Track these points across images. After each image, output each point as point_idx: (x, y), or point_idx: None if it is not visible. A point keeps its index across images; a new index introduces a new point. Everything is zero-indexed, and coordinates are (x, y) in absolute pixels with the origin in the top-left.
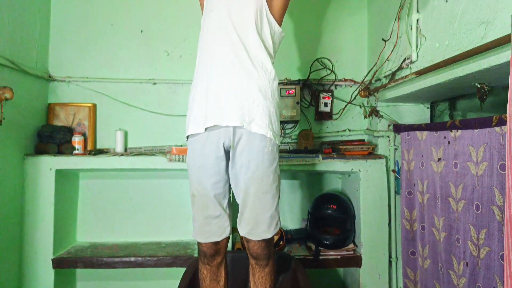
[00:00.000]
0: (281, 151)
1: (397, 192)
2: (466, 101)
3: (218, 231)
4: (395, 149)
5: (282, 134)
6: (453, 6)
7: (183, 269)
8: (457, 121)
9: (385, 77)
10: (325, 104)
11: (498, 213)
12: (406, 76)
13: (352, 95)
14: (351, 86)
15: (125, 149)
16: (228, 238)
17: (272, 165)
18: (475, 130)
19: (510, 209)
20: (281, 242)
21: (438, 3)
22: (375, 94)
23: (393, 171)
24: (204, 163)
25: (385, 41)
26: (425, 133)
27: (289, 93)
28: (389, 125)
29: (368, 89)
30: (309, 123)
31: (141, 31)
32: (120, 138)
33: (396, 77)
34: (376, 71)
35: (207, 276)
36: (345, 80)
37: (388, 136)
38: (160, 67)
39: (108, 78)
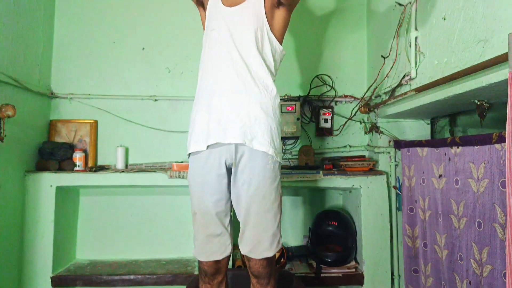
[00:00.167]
0: (282, 167)
1: (398, 209)
2: (467, 117)
3: (219, 249)
4: (396, 165)
5: (283, 151)
6: (451, 24)
7: None
8: (457, 137)
9: (385, 93)
10: (326, 120)
11: (500, 231)
12: (405, 93)
13: (352, 111)
14: (351, 102)
15: (126, 166)
16: (229, 256)
17: (274, 182)
18: (475, 147)
19: (511, 228)
20: (282, 260)
21: (436, 21)
22: (375, 110)
23: (394, 187)
24: (205, 180)
25: (384, 58)
26: (426, 149)
27: (289, 109)
28: (389, 141)
29: (368, 105)
30: (310, 139)
31: (143, 48)
32: (121, 154)
33: (396, 94)
34: (376, 87)
35: None
36: (345, 96)
37: (389, 152)
38: (161, 83)
39: (109, 95)
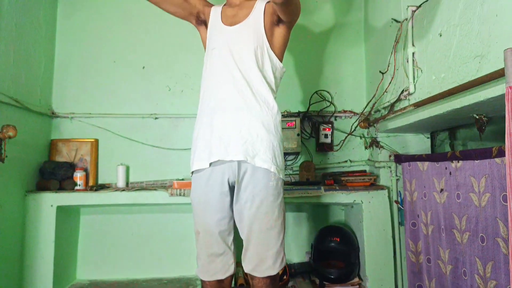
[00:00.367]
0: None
1: (401, 223)
2: (466, 130)
3: (223, 269)
4: (397, 179)
5: (284, 166)
6: (447, 40)
7: None
8: (457, 152)
9: (384, 108)
10: (326, 136)
11: (504, 245)
12: (404, 108)
13: (352, 126)
14: (350, 117)
15: (127, 184)
16: (232, 276)
17: (277, 200)
18: (476, 161)
19: None
20: (285, 277)
21: (432, 37)
22: (375, 125)
23: (396, 202)
24: (208, 199)
25: (382, 73)
26: (426, 163)
27: (289, 125)
28: (390, 156)
29: (367, 120)
30: (310, 154)
31: (143, 67)
32: (121, 173)
33: (395, 109)
34: (375, 102)
35: None
36: (345, 111)
37: (390, 167)
38: (162, 102)
39: (110, 114)
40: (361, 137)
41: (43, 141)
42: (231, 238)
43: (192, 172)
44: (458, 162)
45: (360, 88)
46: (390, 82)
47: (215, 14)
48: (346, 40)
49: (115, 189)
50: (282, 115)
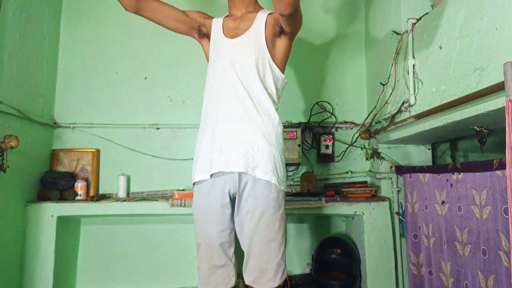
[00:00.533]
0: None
1: (402, 235)
2: (467, 141)
3: (223, 281)
4: (398, 191)
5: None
6: (447, 53)
7: None
8: (458, 164)
9: (385, 119)
10: (327, 147)
11: (505, 258)
12: (405, 120)
13: (353, 137)
14: (351, 128)
15: (128, 194)
16: None
17: (278, 212)
18: (477, 173)
19: None
20: None
21: (432, 49)
22: (376, 136)
23: (397, 213)
24: (209, 210)
25: (383, 85)
26: (428, 175)
27: (290, 136)
28: (391, 167)
29: (368, 131)
30: (311, 165)
31: (145, 77)
32: (122, 183)
33: (396, 120)
34: (376, 113)
35: None
36: (346, 122)
37: (391, 178)
38: (163, 112)
39: (112, 124)
40: (362, 148)
41: (45, 151)
42: (232, 250)
43: (194, 184)
44: (459, 174)
45: (361, 99)
46: (391, 94)
47: (216, 27)
48: (347, 51)
49: (115, 199)
50: (283, 126)
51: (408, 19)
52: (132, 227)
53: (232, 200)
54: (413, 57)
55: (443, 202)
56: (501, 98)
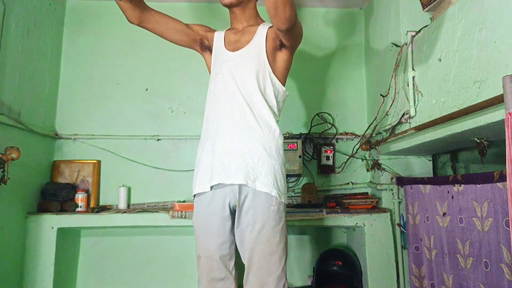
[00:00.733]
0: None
1: (403, 247)
2: (468, 152)
3: None
4: (399, 202)
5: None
6: (446, 65)
7: None
8: (459, 175)
9: (385, 131)
10: (327, 158)
11: (507, 271)
12: (405, 131)
13: (353, 148)
14: (352, 140)
15: (128, 206)
16: None
17: (279, 224)
18: (478, 185)
19: None
20: None
21: (432, 61)
22: (377, 147)
23: (399, 225)
24: (209, 223)
25: (383, 96)
26: (429, 186)
27: (291, 147)
28: (392, 178)
29: (369, 143)
30: (312, 176)
31: (146, 89)
32: (123, 194)
33: (396, 132)
34: (377, 125)
35: None
36: (346, 133)
37: (392, 189)
38: (164, 123)
39: (113, 135)
40: (362, 159)
41: (46, 162)
42: (232, 262)
43: (194, 196)
44: (460, 186)
45: (361, 110)
46: (391, 105)
47: (218, 40)
48: (347, 63)
49: (116, 211)
50: (283, 137)
51: (408, 31)
52: (133, 238)
53: (233, 213)
54: (413, 69)
55: (444, 214)
56: (501, 111)
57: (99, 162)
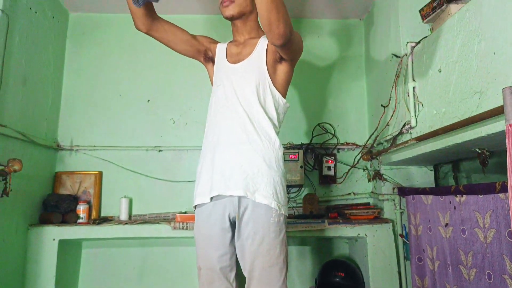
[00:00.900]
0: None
1: (406, 258)
2: (470, 162)
3: None
4: (401, 212)
5: (288, 198)
6: (446, 76)
7: None
8: (461, 186)
9: (386, 141)
10: (329, 168)
11: (511, 282)
12: (407, 142)
13: (355, 158)
14: (353, 150)
15: (130, 217)
16: None
17: (279, 236)
18: (480, 196)
19: None
20: None
21: (432, 72)
22: (378, 157)
23: (401, 235)
24: (209, 234)
25: (384, 107)
26: (430, 197)
27: (292, 157)
28: (393, 188)
29: (370, 153)
30: (314, 187)
31: (148, 100)
32: (124, 205)
33: (398, 142)
34: (378, 135)
35: None
36: (347, 144)
37: (394, 200)
38: (166, 134)
39: (114, 146)
40: (364, 170)
41: (48, 173)
42: (233, 274)
43: (195, 207)
44: (462, 196)
45: (362, 120)
46: (392, 116)
47: (220, 52)
48: (348, 73)
49: (117, 222)
50: (285, 147)
51: (408, 42)
52: (134, 250)
53: (233, 224)
54: (413, 80)
55: (446, 224)
56: (501, 122)
57: (100, 173)
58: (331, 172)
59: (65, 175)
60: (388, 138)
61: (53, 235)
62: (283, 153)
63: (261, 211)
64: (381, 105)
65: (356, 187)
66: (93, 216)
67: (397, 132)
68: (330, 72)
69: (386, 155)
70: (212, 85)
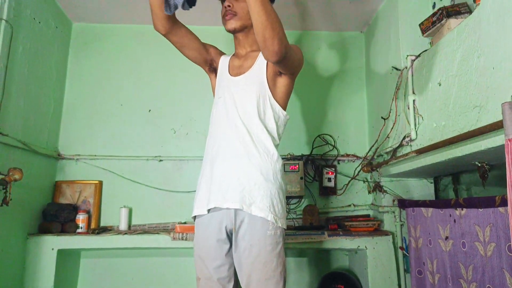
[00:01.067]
0: (287, 227)
1: (406, 271)
2: (470, 175)
3: None
4: (401, 225)
5: (287, 210)
6: (446, 90)
7: None
8: (461, 199)
9: (386, 153)
10: (329, 179)
11: None
12: (407, 154)
13: (355, 170)
14: (353, 161)
15: (129, 227)
16: None
17: (275, 249)
18: (480, 210)
19: None
20: None
21: (432, 85)
22: (378, 169)
23: (401, 248)
24: (206, 245)
25: (384, 119)
26: (431, 210)
27: (292, 168)
28: (393, 200)
29: (370, 165)
30: (314, 198)
31: (149, 110)
32: (124, 215)
33: (398, 154)
34: (378, 147)
35: None
36: (348, 155)
37: (394, 212)
38: (167, 144)
39: (115, 156)
40: (364, 181)
41: (48, 182)
42: (231, 285)
43: (194, 218)
44: (462, 209)
45: (363, 132)
46: (392, 128)
47: (223, 64)
48: (348, 85)
49: (117, 232)
50: (285, 158)
51: (408, 55)
52: (133, 260)
53: (230, 236)
54: (413, 93)
55: (446, 237)
56: (501, 136)
57: (101, 182)
58: (331, 184)
59: (65, 184)
60: (388, 150)
61: (52, 244)
62: (283, 164)
63: (257, 224)
64: (381, 117)
65: (356, 198)
66: (93, 225)
67: (397, 145)
68: (330, 84)
69: (386, 167)
70: (214, 95)
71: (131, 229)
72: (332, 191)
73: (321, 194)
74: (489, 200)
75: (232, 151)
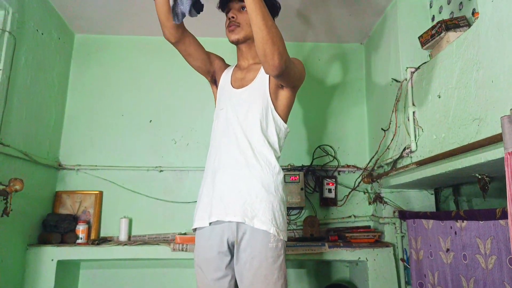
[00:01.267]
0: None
1: (407, 283)
2: (470, 186)
3: None
4: (402, 236)
5: (288, 221)
6: (446, 102)
7: None
8: (462, 211)
9: (387, 164)
10: (329, 190)
11: None
12: (407, 166)
13: (355, 181)
14: (354, 172)
15: (129, 237)
16: None
17: (277, 262)
18: (480, 222)
19: None
20: None
21: (431, 98)
22: (378, 180)
23: (402, 260)
24: (207, 257)
25: (384, 130)
26: (431, 221)
27: (293, 179)
28: (394, 212)
29: (371, 176)
30: (314, 209)
31: (150, 120)
32: (124, 226)
33: (398, 165)
34: (378, 158)
35: None
36: (348, 166)
37: (394, 223)
38: (167, 155)
39: (115, 166)
40: (364, 192)
41: (48, 193)
42: None
43: (195, 229)
44: (463, 222)
45: (363, 143)
46: (392, 139)
47: (226, 76)
48: (349, 96)
49: (117, 243)
50: (285, 169)
51: (407, 67)
52: (133, 271)
53: (231, 248)
54: (413, 105)
55: (447, 250)
56: (500, 149)
57: (101, 193)
58: (332, 195)
59: (65, 194)
60: (388, 161)
61: (51, 255)
62: (284, 175)
63: (259, 236)
64: (382, 129)
65: (356, 210)
66: (93, 236)
67: (397, 156)
68: (331, 95)
69: (387, 178)
70: (215, 106)
71: (131, 240)
72: (332, 202)
73: (321, 205)
74: (489, 212)
75: (233, 163)
